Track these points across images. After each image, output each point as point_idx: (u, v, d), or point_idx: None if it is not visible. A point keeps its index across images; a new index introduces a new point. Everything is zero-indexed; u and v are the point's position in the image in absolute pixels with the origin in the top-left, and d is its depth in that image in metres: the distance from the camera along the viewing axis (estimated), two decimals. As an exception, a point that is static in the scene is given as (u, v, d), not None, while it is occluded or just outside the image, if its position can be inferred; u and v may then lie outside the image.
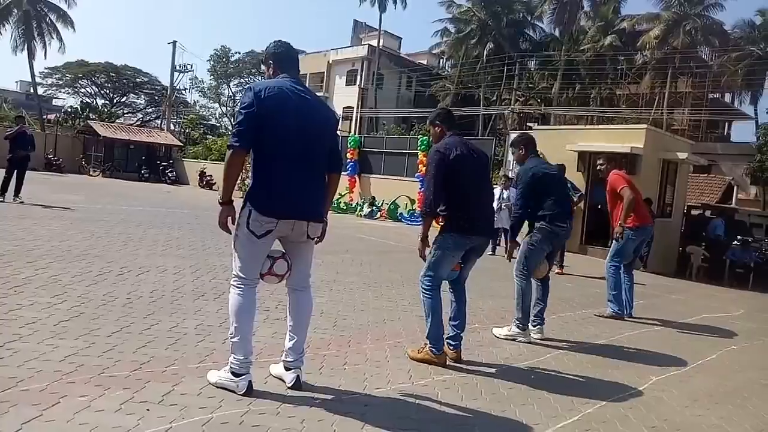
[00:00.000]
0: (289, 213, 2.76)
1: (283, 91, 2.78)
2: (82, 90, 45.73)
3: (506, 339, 4.47)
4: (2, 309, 3.65)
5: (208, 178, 26.48)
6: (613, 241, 5.96)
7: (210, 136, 37.84)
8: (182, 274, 5.49)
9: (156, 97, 46.21)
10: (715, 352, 4.94)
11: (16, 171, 10.69)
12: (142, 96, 47.35)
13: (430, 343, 3.62)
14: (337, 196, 17.36)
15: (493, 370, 3.67)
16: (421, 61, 43.36)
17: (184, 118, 43.12)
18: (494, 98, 35.32)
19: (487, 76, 34.60)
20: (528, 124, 25.35)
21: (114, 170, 28.62)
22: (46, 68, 44.42)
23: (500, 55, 33.84)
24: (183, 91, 46.07)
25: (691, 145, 15.27)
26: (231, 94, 47.59)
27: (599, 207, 11.11)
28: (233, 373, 2.74)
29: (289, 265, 2.89)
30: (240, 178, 3.07)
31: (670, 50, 29.62)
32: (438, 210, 3.65)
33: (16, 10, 35.58)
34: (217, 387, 2.77)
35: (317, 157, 2.88)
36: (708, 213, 17.21)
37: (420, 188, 17.49)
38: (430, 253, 3.70)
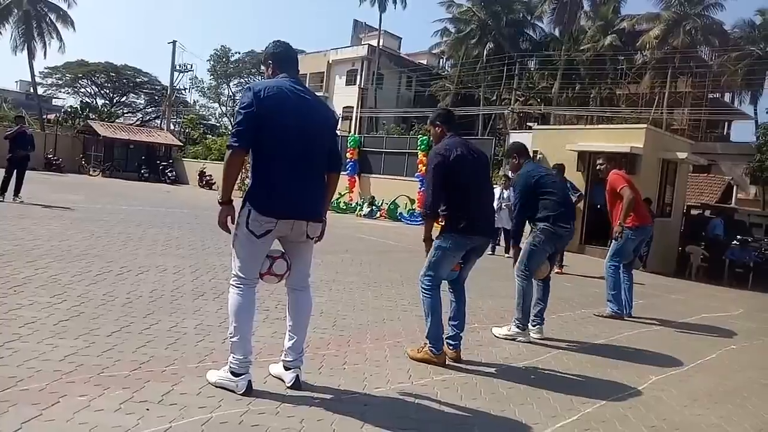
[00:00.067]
0: (288, 213, 2.76)
1: (282, 91, 2.78)
2: (82, 90, 45.78)
3: (506, 339, 4.47)
4: (2, 308, 3.65)
5: (208, 177, 26.47)
6: (613, 240, 5.96)
7: (210, 136, 37.82)
8: (182, 273, 5.49)
9: (156, 97, 46.24)
10: (714, 352, 4.94)
11: (15, 171, 10.70)
12: (142, 96, 47.38)
13: (429, 343, 3.62)
14: (336, 195, 17.54)
15: (492, 370, 3.67)
16: (421, 61, 43.35)
17: (184, 118, 43.11)
18: (494, 98, 35.30)
19: (487, 76, 34.60)
20: (528, 123, 25.39)
21: (114, 170, 28.62)
22: (46, 68, 44.56)
23: (500, 55, 33.83)
24: (183, 91, 46.23)
25: (691, 144, 15.28)
26: (231, 93, 47.65)
27: (599, 207, 11.11)
28: (233, 373, 2.75)
29: (289, 265, 2.89)
30: (240, 177, 3.07)
31: (670, 50, 29.61)
32: (439, 211, 3.66)
33: (16, 10, 35.60)
34: (217, 387, 2.78)
35: (316, 157, 2.88)
36: (707, 213, 17.22)
37: (420, 188, 17.51)
38: (430, 253, 3.71)
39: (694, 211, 17.18)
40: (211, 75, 47.75)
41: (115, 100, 45.94)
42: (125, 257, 5.99)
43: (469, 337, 4.11)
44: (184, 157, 32.05)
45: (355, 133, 26.98)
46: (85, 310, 3.86)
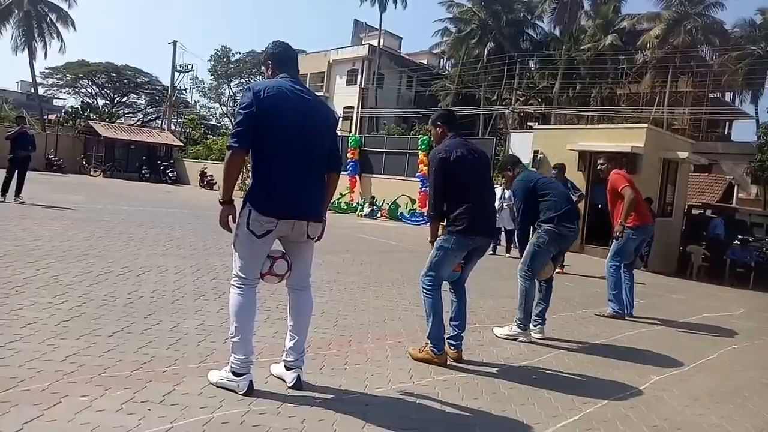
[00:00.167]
0: (289, 213, 2.76)
1: (282, 91, 2.78)
2: (83, 90, 45.83)
3: (507, 338, 4.47)
4: (3, 309, 3.65)
5: (209, 178, 26.48)
6: (614, 240, 5.96)
7: (210, 136, 37.86)
8: (183, 274, 5.50)
9: (156, 97, 46.29)
10: (715, 352, 4.94)
11: (17, 171, 10.71)
12: (143, 96, 47.43)
13: (431, 343, 3.62)
14: (337, 195, 17.53)
15: (493, 370, 3.67)
16: (422, 61, 43.35)
17: (184, 118, 43.16)
18: (495, 98, 35.28)
19: (488, 76, 34.60)
20: (528, 123, 25.41)
21: (115, 170, 28.64)
22: (46, 68, 44.59)
23: (501, 55, 33.83)
24: (183, 91, 46.23)
25: (692, 144, 15.27)
26: (231, 94, 47.65)
27: (599, 207, 11.11)
28: (234, 373, 2.75)
29: (289, 265, 2.89)
30: (240, 177, 3.08)
31: (671, 49, 29.58)
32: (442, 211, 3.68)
33: (16, 11, 35.63)
34: (218, 387, 2.78)
35: (317, 157, 2.88)
36: (708, 212, 17.20)
37: (420, 188, 17.52)
38: (431, 253, 3.71)
39: (695, 211, 17.17)
40: (211, 75, 47.87)
41: (115, 101, 45.99)
42: (126, 257, 6.00)
43: (470, 337, 4.11)
44: (184, 158, 32.07)
45: (355, 133, 27.00)
46: (87, 310, 3.86)
